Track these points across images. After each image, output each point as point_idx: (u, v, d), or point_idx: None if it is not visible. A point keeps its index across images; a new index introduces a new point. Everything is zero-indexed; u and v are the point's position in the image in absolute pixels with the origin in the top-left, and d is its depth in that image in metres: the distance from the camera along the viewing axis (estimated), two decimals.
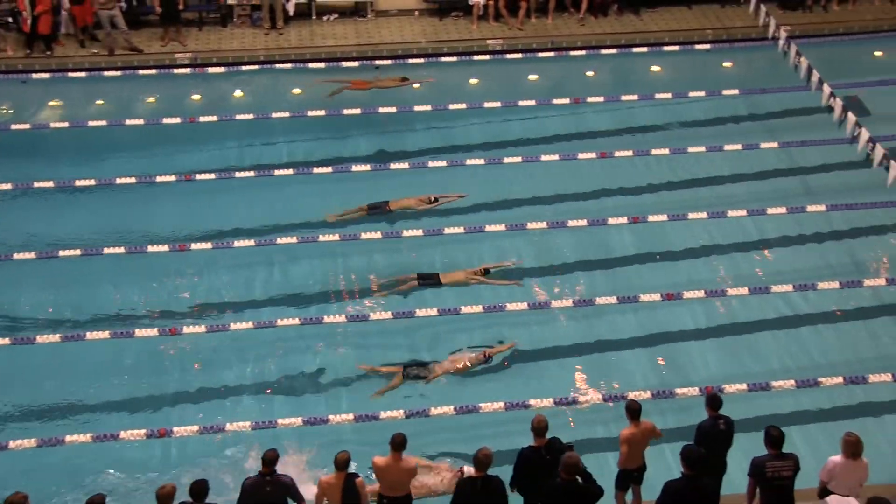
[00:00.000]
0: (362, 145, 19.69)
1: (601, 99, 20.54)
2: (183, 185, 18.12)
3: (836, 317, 15.68)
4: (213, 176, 18.36)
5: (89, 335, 14.98)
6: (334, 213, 17.71)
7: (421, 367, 14.63)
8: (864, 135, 16.36)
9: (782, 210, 17.40)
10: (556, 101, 20.47)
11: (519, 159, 18.78)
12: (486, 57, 22.04)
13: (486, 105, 20.44)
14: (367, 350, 15.13)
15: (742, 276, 16.30)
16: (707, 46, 22.49)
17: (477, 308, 15.38)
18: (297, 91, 21.40)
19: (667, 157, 18.87)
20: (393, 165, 18.74)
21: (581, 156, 18.73)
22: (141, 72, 21.49)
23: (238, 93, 21.32)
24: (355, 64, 21.79)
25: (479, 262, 16.60)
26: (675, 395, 13.87)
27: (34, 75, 21.38)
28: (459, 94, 20.87)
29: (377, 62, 21.90)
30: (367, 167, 18.71)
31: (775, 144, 19.09)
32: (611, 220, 17.21)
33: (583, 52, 22.12)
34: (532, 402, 13.63)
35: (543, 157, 18.73)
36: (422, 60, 21.84)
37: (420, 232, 17.07)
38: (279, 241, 16.83)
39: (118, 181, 17.96)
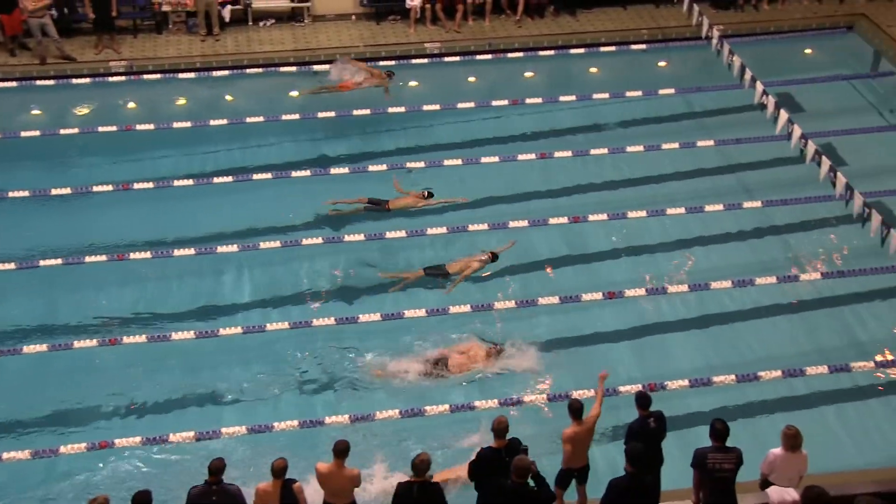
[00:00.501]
0: (304, 150, 19.59)
1: (539, 100, 20.66)
2: (120, 195, 17.88)
3: (775, 311, 15.90)
4: (151, 185, 18.13)
5: (26, 349, 14.72)
6: (331, 199, 17.79)
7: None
8: (797, 131, 16.60)
9: (720, 207, 17.60)
10: (494, 103, 20.56)
11: (459, 162, 18.80)
12: (424, 60, 22.03)
13: (425, 108, 20.49)
14: (308, 359, 15.07)
15: (682, 274, 16.48)
16: (643, 46, 22.72)
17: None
18: (233, 98, 21.26)
19: (606, 156, 19.01)
20: (334, 170, 18.67)
21: (521, 157, 18.81)
22: (74, 80, 21.14)
23: (176, 100, 21.12)
24: (293, 69, 21.70)
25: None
26: (619, 392, 13.95)
27: None
28: (398, 98, 20.85)
29: (315, 67, 21.83)
30: (308, 172, 18.61)
31: (711, 142, 19.34)
32: (551, 221, 17.27)
33: (520, 54, 22.23)
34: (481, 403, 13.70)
35: (483, 160, 18.79)
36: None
37: (362, 236, 17.03)
38: (220, 249, 16.68)
39: (53, 192, 17.63)
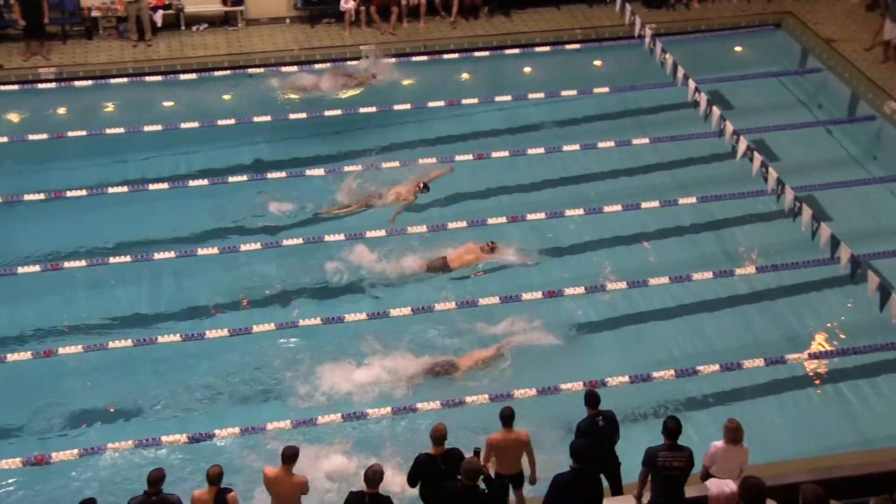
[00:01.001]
0: (242, 155, 19.44)
1: (476, 100, 20.75)
2: (52, 204, 17.61)
3: (712, 306, 16.08)
4: (84, 193, 17.87)
5: None
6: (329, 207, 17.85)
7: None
8: (729, 128, 16.86)
9: (656, 204, 17.82)
10: (431, 104, 20.59)
11: (396, 164, 18.81)
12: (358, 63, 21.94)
13: (362, 111, 20.44)
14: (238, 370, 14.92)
15: (620, 270, 16.60)
16: (577, 46, 22.88)
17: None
18: (168, 103, 21.03)
19: (542, 156, 19.12)
20: (270, 174, 18.56)
21: (458, 157, 18.87)
22: (2, 87, 20.77)
23: (108, 107, 20.83)
24: (227, 73, 21.52)
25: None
26: (560, 390, 14.08)
27: None
28: (334, 101, 20.82)
29: (250, 71, 21.66)
30: (245, 177, 18.49)
31: (646, 140, 19.58)
32: (490, 220, 17.36)
33: (456, 55, 22.26)
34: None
35: (421, 161, 18.83)
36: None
37: (300, 240, 16.95)
38: (156, 256, 16.49)
39: None
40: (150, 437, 13.33)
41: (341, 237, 16.90)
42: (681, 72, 18.25)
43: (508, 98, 20.90)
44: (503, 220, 17.39)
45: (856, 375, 14.84)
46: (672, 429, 10.41)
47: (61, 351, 14.69)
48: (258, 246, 16.82)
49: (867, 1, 23.40)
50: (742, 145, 16.46)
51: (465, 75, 22.11)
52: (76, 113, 20.60)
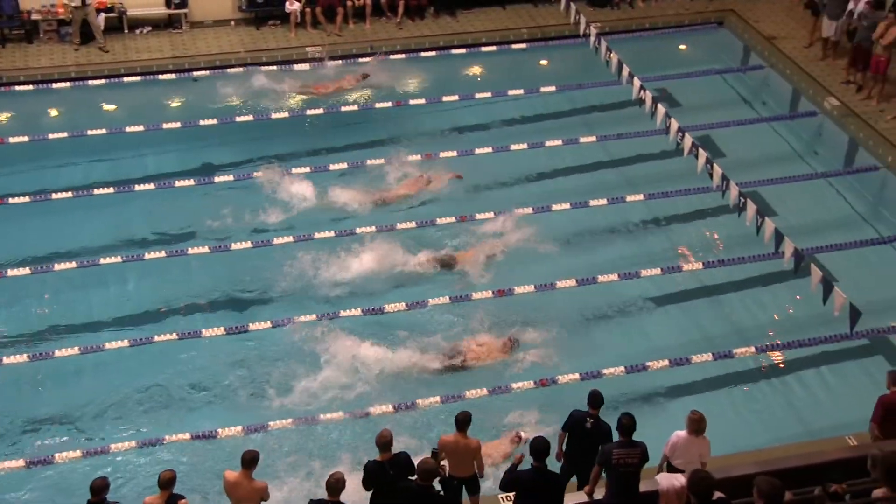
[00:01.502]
0: (187, 159, 19.25)
1: (423, 101, 20.77)
2: None
3: (660, 302, 16.23)
4: (27, 199, 17.64)
5: None
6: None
7: None
8: (674, 125, 17.05)
9: (603, 202, 17.96)
10: (378, 106, 20.58)
11: (344, 165, 18.78)
12: (306, 65, 21.86)
13: (309, 112, 20.38)
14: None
15: (569, 268, 16.67)
16: (523, 45, 22.98)
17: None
18: (112, 107, 20.80)
19: (490, 155, 19.17)
20: (217, 178, 18.47)
21: (407, 158, 18.87)
22: None
23: (51, 111, 20.54)
24: (172, 76, 21.33)
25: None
26: (511, 389, 14.15)
27: None
28: (282, 104, 20.78)
29: (195, 74, 21.49)
30: (192, 181, 18.34)
31: (593, 138, 19.71)
32: (439, 221, 17.40)
33: (402, 56, 22.23)
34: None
35: (369, 162, 18.82)
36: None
37: (249, 244, 16.87)
38: (103, 261, 16.29)
39: None
40: (97, 447, 13.19)
41: (289, 239, 16.90)
42: (626, 70, 18.44)
43: (455, 98, 20.93)
44: (452, 219, 17.42)
45: (801, 367, 15.07)
46: (626, 425, 10.48)
47: (5, 360, 14.46)
48: (206, 249, 16.69)
49: None
50: (687, 142, 16.66)
51: (411, 76, 22.03)
52: (18, 118, 20.31)
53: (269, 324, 15.28)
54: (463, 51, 22.58)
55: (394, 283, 16.30)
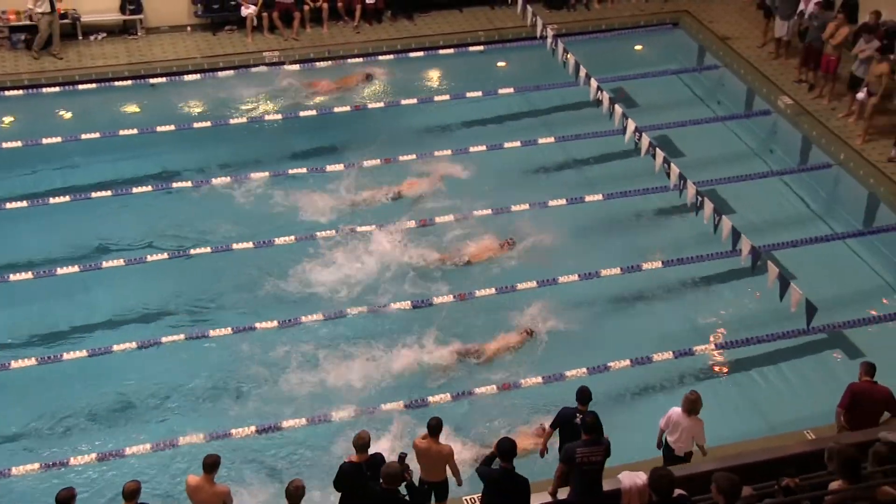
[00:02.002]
0: (144, 165, 19.06)
1: (381, 104, 20.77)
2: None
3: (621, 301, 16.32)
4: None
5: None
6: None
7: None
8: (631, 125, 17.18)
9: (563, 202, 18.06)
10: (336, 110, 20.53)
11: (304, 170, 18.73)
12: (264, 69, 21.77)
13: (267, 118, 20.30)
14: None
15: (530, 270, 16.75)
16: (480, 48, 23.03)
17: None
18: (68, 114, 20.60)
19: (449, 157, 19.20)
20: (175, 184, 18.34)
21: (366, 163, 18.88)
22: None
23: (4, 119, 20.30)
24: (129, 83, 21.14)
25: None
26: (474, 394, 14.21)
27: None
28: (239, 110, 20.68)
29: (152, 80, 21.32)
30: (149, 188, 18.21)
31: (552, 139, 19.80)
32: (405, 225, 17.39)
33: (360, 60, 22.18)
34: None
35: (328, 168, 18.78)
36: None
37: (208, 249, 16.76)
38: (59, 271, 16.12)
39: None
40: (57, 460, 13.07)
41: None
42: (583, 71, 18.54)
43: (413, 101, 20.94)
44: (412, 223, 17.43)
45: (760, 363, 15.25)
46: (590, 424, 10.56)
47: None
48: (164, 256, 16.62)
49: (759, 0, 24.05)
50: (644, 142, 16.79)
51: (369, 79, 21.97)
52: None
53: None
54: (421, 54, 22.59)
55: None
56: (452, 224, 17.50)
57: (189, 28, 22.98)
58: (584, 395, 11.45)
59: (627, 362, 14.71)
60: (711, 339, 15.43)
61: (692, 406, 11.50)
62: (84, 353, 14.74)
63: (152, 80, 21.29)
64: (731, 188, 18.51)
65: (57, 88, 20.93)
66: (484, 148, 19.40)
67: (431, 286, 16.30)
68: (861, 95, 19.09)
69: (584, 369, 14.53)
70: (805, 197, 19.05)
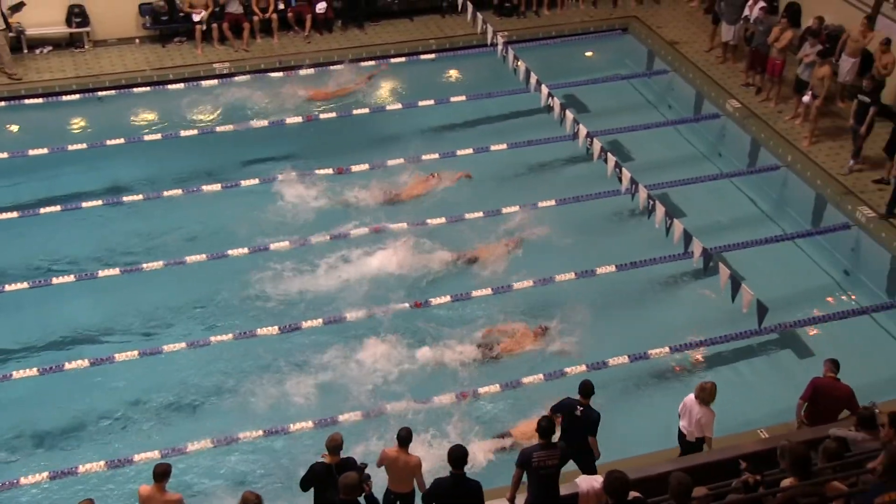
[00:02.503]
0: (94, 180, 18.88)
1: (333, 115, 20.72)
2: None
3: (576, 306, 16.36)
4: None
5: None
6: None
7: None
8: (583, 131, 17.30)
9: (516, 208, 18.12)
10: (288, 121, 20.45)
11: (256, 181, 18.64)
12: (215, 81, 21.60)
13: (219, 129, 20.18)
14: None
15: (486, 276, 16.78)
16: (432, 56, 23.05)
17: None
18: (14, 128, 20.32)
19: (401, 166, 19.19)
20: (126, 198, 18.17)
21: (318, 171, 18.84)
22: None
23: None
24: (76, 97, 20.92)
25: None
26: (433, 401, 14.18)
27: None
28: (189, 121, 20.57)
29: (100, 93, 21.09)
30: (100, 202, 18.04)
31: (504, 146, 19.85)
32: (352, 233, 17.38)
33: (312, 70, 22.10)
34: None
35: (280, 177, 18.72)
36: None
37: (160, 263, 16.62)
38: (8, 288, 15.89)
39: None
40: (10, 480, 12.92)
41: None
42: (534, 78, 18.64)
43: (366, 111, 20.91)
44: (365, 230, 17.41)
45: (714, 364, 15.45)
46: (545, 428, 10.69)
47: None
48: (116, 272, 16.40)
49: (705, 4, 24.32)
50: (596, 147, 16.92)
51: (319, 90, 21.86)
52: None
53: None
54: (372, 63, 22.52)
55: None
56: (406, 230, 17.47)
57: (137, 40, 22.74)
58: (585, 388, 11.82)
59: (583, 367, 14.74)
60: (666, 342, 15.46)
61: (701, 394, 11.96)
62: (34, 371, 14.54)
63: (100, 94, 21.04)
64: (682, 191, 18.70)
65: (2, 103, 20.62)
66: (437, 156, 19.45)
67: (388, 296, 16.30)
68: (806, 98, 19.38)
69: (541, 375, 14.59)
70: (755, 198, 19.30)
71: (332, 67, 22.06)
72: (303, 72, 21.94)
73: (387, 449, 11.34)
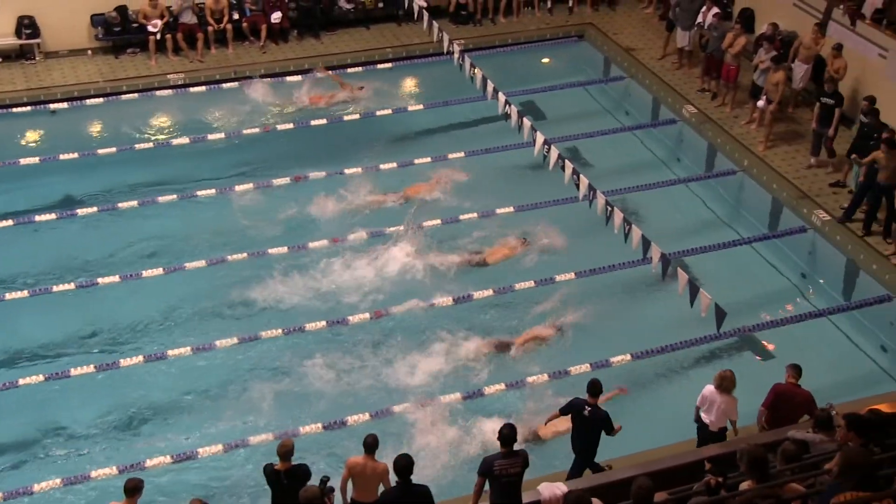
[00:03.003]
0: (47, 193, 18.58)
1: (290, 125, 20.58)
2: None
3: (535, 314, 16.32)
4: None
5: None
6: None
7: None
8: (540, 138, 17.29)
9: (474, 216, 18.09)
10: (245, 132, 20.29)
11: (213, 192, 18.50)
12: (169, 92, 21.39)
13: (174, 143, 19.97)
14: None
15: (446, 284, 16.69)
16: (388, 65, 22.97)
17: None
18: None
19: (359, 175, 19.10)
20: (80, 211, 17.95)
21: (275, 181, 18.77)
22: None
23: None
24: (27, 109, 20.60)
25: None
26: (393, 412, 14.13)
27: None
28: (143, 135, 20.40)
29: (52, 106, 20.80)
30: (53, 216, 17.78)
31: (462, 154, 19.82)
32: (311, 245, 17.27)
33: (268, 80, 21.88)
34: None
35: (237, 188, 18.59)
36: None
37: (117, 278, 16.41)
38: None
39: None
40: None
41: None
42: (490, 85, 18.62)
43: (323, 122, 20.79)
44: (324, 242, 17.30)
45: (675, 370, 15.46)
46: (506, 435, 10.69)
47: None
48: (71, 286, 16.19)
49: (660, 10, 24.47)
50: (553, 154, 16.90)
51: (277, 101, 21.68)
52: None
53: (141, 357, 14.92)
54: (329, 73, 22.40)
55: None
56: (365, 240, 17.41)
57: (90, 51, 22.44)
58: (593, 387, 11.97)
59: (545, 377, 14.76)
60: (627, 348, 15.43)
61: (721, 383, 12.11)
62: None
63: (52, 106, 20.75)
64: (640, 197, 18.78)
65: None
66: (394, 165, 19.38)
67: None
68: (761, 103, 19.54)
69: (503, 385, 14.54)
70: (712, 203, 19.41)
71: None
72: (255, 81, 21.80)
73: (352, 457, 11.24)
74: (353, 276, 16.79)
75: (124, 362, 14.87)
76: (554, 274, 16.80)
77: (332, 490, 10.84)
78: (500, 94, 18.39)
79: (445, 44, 20.13)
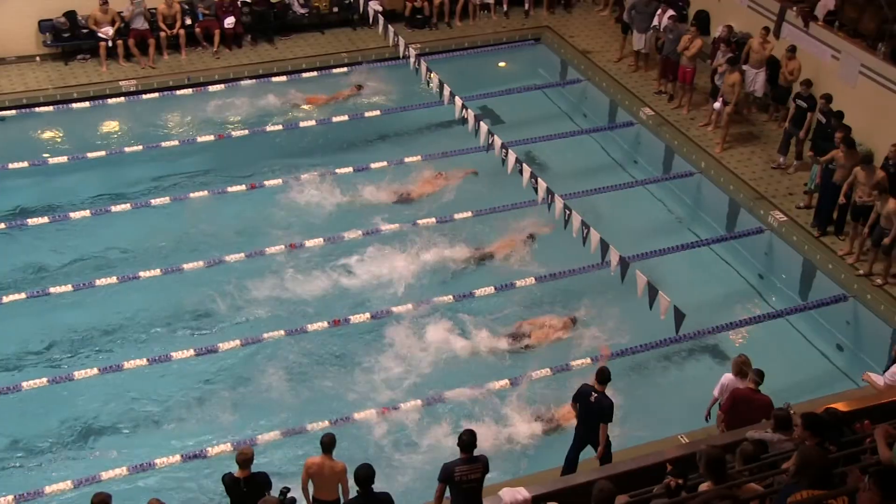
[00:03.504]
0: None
1: (246, 132, 20.37)
2: None
3: (499, 320, 16.25)
4: None
5: None
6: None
7: None
8: (498, 142, 17.24)
9: (433, 220, 18.00)
10: (200, 139, 20.03)
11: (167, 200, 18.23)
12: (121, 99, 21.04)
13: (127, 150, 19.63)
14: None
15: (409, 293, 16.61)
16: (344, 69, 22.77)
17: None
18: None
19: (313, 180, 18.91)
20: (31, 221, 17.60)
21: (230, 189, 18.59)
22: None
23: None
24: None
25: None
26: (353, 419, 13.97)
27: None
28: (95, 142, 20.12)
29: (1, 114, 20.41)
30: (3, 225, 17.48)
31: (418, 158, 19.70)
32: (268, 250, 17.05)
33: (221, 86, 21.61)
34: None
35: (192, 195, 18.32)
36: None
37: (69, 287, 16.11)
38: None
39: None
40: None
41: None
42: (447, 90, 18.54)
43: (279, 128, 20.58)
44: (281, 247, 17.12)
45: (635, 372, 15.45)
46: (466, 441, 10.67)
47: None
48: (22, 296, 15.84)
49: (616, 13, 24.51)
50: (511, 158, 16.84)
51: (231, 108, 21.41)
52: None
53: (96, 369, 14.68)
54: (283, 78, 22.14)
55: None
56: (326, 247, 17.25)
57: (38, 58, 21.99)
58: (602, 374, 12.11)
59: (506, 382, 14.72)
60: (587, 353, 15.39)
61: (739, 369, 12.25)
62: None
63: (1, 114, 20.36)
64: (598, 199, 18.71)
65: None
66: (350, 170, 19.22)
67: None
68: (717, 105, 19.63)
69: (468, 389, 14.49)
70: (670, 205, 19.47)
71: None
72: (211, 88, 21.50)
73: (310, 458, 11.21)
74: (313, 285, 16.62)
75: (78, 374, 14.57)
76: (514, 279, 16.74)
77: (293, 501, 10.70)
78: (457, 98, 18.31)
79: (401, 48, 20.02)
